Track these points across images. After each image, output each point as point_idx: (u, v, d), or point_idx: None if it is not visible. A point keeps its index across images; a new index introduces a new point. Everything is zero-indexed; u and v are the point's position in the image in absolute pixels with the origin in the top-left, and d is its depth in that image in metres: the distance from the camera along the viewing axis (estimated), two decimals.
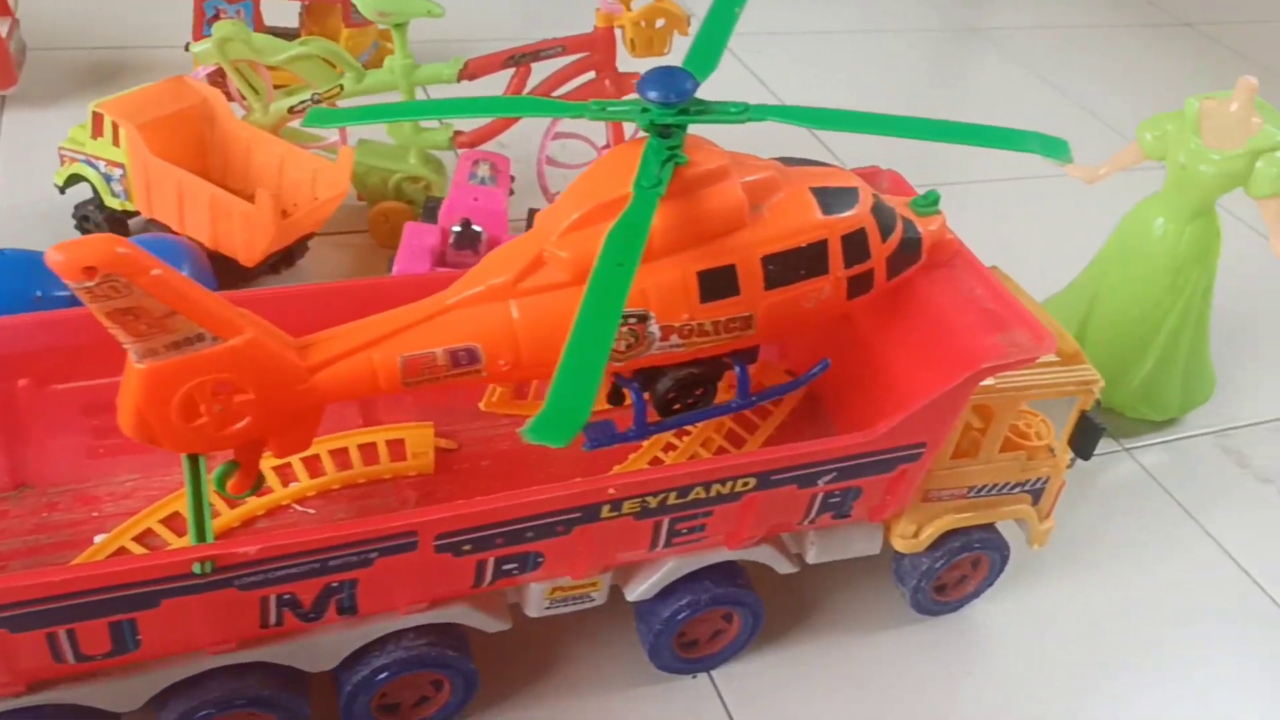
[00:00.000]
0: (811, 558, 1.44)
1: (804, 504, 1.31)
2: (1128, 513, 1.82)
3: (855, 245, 1.24)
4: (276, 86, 2.07)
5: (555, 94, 2.09)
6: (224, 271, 1.83)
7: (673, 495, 1.21)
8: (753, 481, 1.24)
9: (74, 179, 1.96)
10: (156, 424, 1.04)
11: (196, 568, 1.04)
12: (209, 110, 1.94)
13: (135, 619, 1.08)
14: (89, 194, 1.97)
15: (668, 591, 1.37)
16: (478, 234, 1.77)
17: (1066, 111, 3.18)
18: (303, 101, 2.04)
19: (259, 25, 2.44)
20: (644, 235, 1.05)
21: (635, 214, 1.07)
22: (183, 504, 1.29)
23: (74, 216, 2.00)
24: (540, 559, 1.22)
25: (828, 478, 1.28)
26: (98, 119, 1.89)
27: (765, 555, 1.39)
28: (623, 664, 1.44)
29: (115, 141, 1.88)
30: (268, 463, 1.36)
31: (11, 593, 1.01)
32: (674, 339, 1.17)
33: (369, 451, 1.40)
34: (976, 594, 1.57)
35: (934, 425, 1.28)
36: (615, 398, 1.32)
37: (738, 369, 1.28)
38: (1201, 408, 2.03)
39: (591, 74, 2.11)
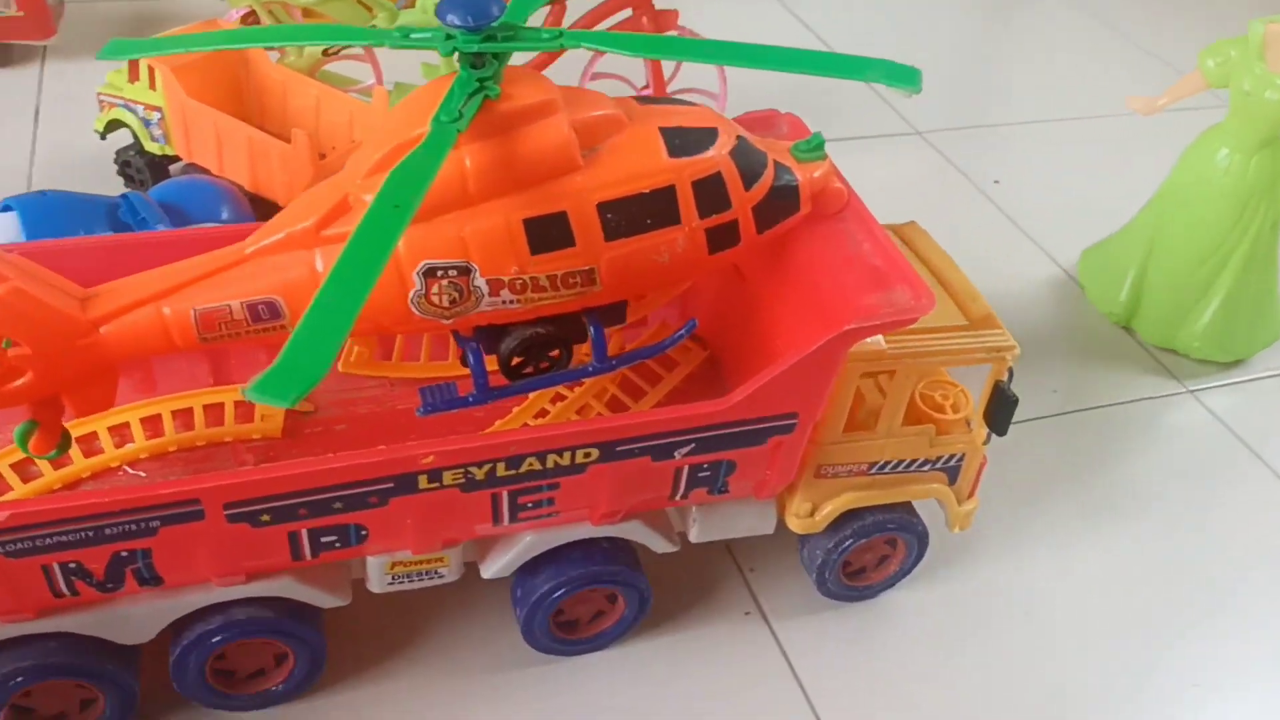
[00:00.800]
0: (694, 536, 1.32)
1: (667, 478, 1.19)
2: (1192, 455, 1.72)
3: (710, 192, 1.10)
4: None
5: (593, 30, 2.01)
6: (265, 214, 1.77)
7: (501, 466, 1.10)
8: (595, 452, 1.12)
9: (114, 124, 1.95)
10: None
11: None
12: (244, 53, 1.89)
13: None
14: (129, 139, 1.95)
15: (531, 569, 1.27)
16: None
17: (1126, 54, 3.00)
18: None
19: None
20: (429, 175, 0.93)
21: (426, 151, 0.95)
22: (6, 463, 1.22)
23: (116, 162, 1.98)
24: (364, 532, 1.12)
25: (685, 449, 1.16)
26: (134, 63, 1.87)
27: (636, 532, 1.27)
28: (495, 644, 1.34)
29: (152, 85, 1.85)
30: (104, 421, 1.27)
31: None
32: (505, 294, 1.05)
33: (215, 412, 1.31)
34: (895, 579, 1.44)
35: (804, 393, 1.15)
36: (463, 359, 1.19)
37: (592, 329, 1.16)
38: (1270, 347, 1.92)
39: (629, 11, 2.03)
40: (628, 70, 2.14)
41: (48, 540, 1.00)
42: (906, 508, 1.38)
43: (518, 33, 1.02)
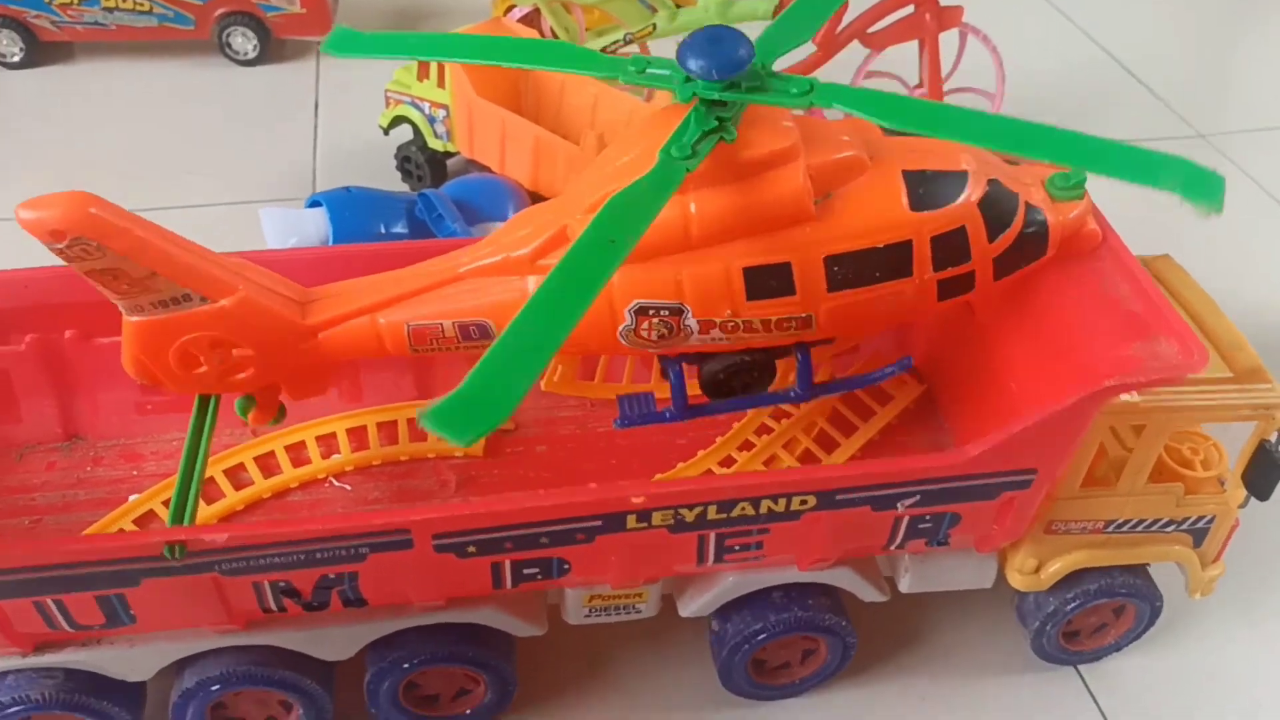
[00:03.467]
0: (905, 586, 1.24)
1: (885, 528, 1.11)
2: None
3: (949, 247, 1.02)
4: (588, 27, 2.05)
5: (870, 30, 1.97)
6: None
7: (713, 509, 1.04)
8: (812, 500, 1.05)
9: (397, 120, 2.01)
10: (157, 370, 1.03)
11: (166, 552, 0.97)
12: None
13: (124, 594, 1.02)
14: (410, 135, 2.00)
15: (731, 610, 1.21)
16: None
17: None
18: (615, 42, 2.00)
19: None
20: (652, 211, 0.88)
21: (650, 187, 0.89)
22: (219, 468, 1.24)
23: (396, 157, 2.04)
24: (566, 565, 1.09)
25: (909, 501, 1.07)
26: (424, 63, 1.91)
27: (845, 579, 1.20)
28: (689, 685, 1.29)
29: (440, 84, 1.90)
30: (312, 431, 1.28)
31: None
32: (715, 334, 1.02)
33: (418, 428, 1.29)
34: (1117, 647, 1.32)
35: (1046, 449, 1.05)
36: (667, 372, 1.13)
37: (799, 354, 1.09)
38: None
39: (910, 8, 1.96)
40: (902, 63, 2.05)
41: (262, 561, 1.00)
42: (1141, 570, 1.26)
43: (764, 82, 0.95)
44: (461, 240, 1.15)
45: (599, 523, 1.03)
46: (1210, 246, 1.25)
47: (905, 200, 1.00)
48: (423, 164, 1.99)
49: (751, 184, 0.97)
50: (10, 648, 1.06)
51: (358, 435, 1.28)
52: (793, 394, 1.13)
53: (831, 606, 1.21)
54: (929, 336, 1.34)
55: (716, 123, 0.93)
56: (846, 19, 1.95)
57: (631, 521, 1.03)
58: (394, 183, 2.01)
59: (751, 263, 0.98)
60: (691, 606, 1.19)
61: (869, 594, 1.21)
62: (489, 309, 1.02)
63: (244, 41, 2.41)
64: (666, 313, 0.99)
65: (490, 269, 1.03)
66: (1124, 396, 1.06)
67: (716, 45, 0.92)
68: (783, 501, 1.04)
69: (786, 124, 0.98)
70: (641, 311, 0.99)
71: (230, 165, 2.11)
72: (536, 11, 2.00)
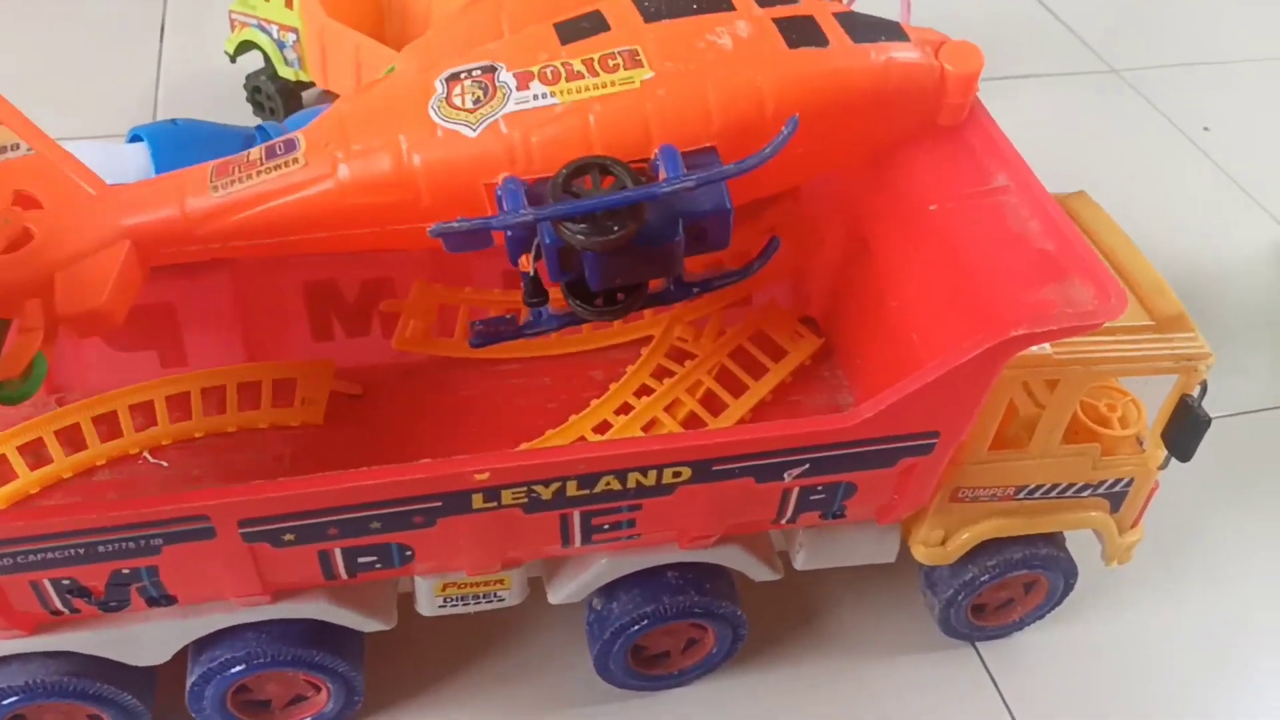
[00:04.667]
0: (800, 563, 1.12)
1: (773, 500, 0.99)
2: None
3: None
4: None
5: None
6: None
7: (573, 485, 0.90)
8: (686, 472, 0.91)
9: (245, 46, 1.80)
10: None
11: None
12: None
13: None
14: (261, 63, 1.80)
15: (608, 594, 1.08)
16: None
17: None
18: None
19: None
20: None
21: None
22: (13, 444, 1.07)
23: (246, 88, 1.84)
24: (409, 552, 0.94)
25: (797, 470, 0.95)
26: None
27: (733, 558, 1.07)
28: (563, 676, 1.16)
29: (289, 4, 1.70)
30: (125, 400, 1.11)
31: None
32: (535, 86, 0.88)
33: (250, 393, 1.13)
34: (1023, 623, 1.22)
35: (950, 409, 0.93)
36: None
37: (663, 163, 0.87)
38: None
39: None
40: None
41: (34, 557, 0.84)
42: (1054, 539, 1.16)
43: None
44: None
45: (439, 503, 0.89)
46: (1126, 183, 1.13)
47: None
48: (274, 95, 1.80)
49: None
50: None
51: (179, 404, 1.12)
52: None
53: (720, 589, 1.09)
54: (824, 283, 1.21)
55: None
56: None
57: (478, 501, 0.89)
58: (245, 116, 1.83)
59: (561, 19, 0.92)
60: (561, 592, 1.06)
61: (760, 573, 1.09)
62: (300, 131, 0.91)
63: None
64: (479, 72, 0.89)
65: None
66: (1034, 348, 0.94)
67: None
68: (652, 474, 0.91)
69: None
70: (453, 78, 0.89)
71: (61, 92, 1.89)
72: None
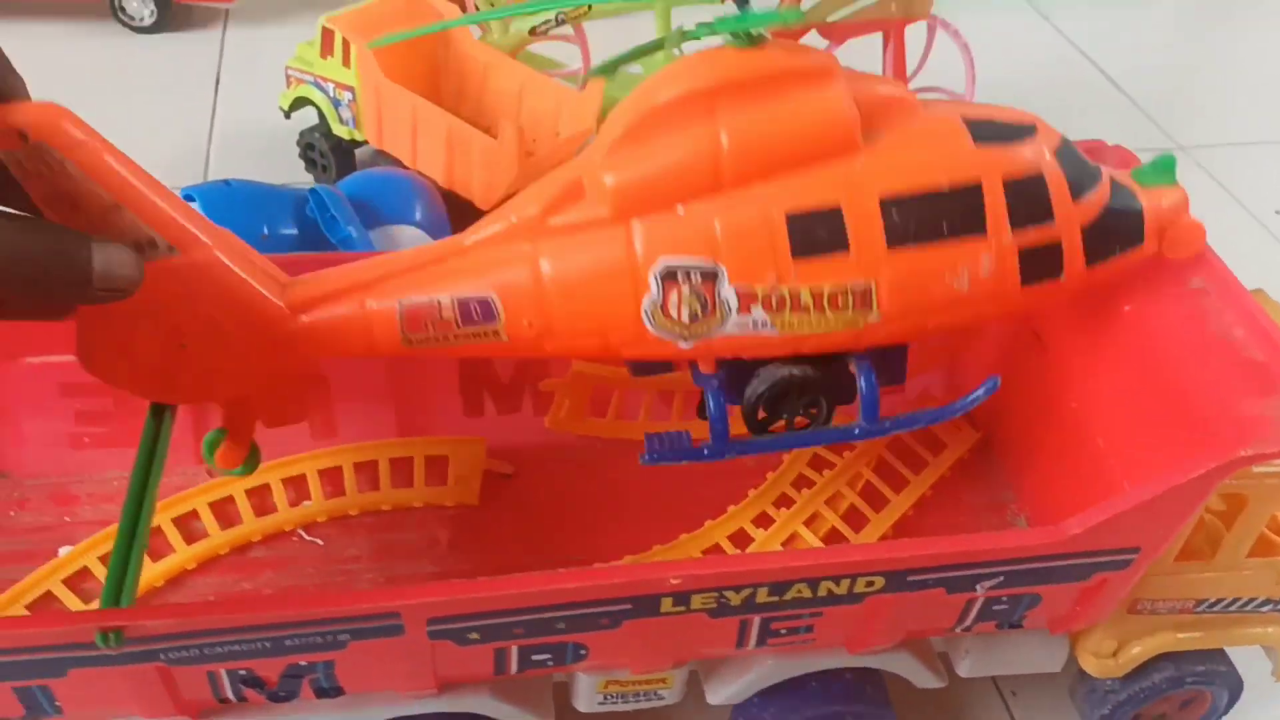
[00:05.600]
0: (964, 670, 1.08)
1: (956, 610, 0.95)
2: None
3: (1027, 197, 0.85)
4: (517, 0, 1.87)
5: (829, 18, 1.80)
6: (460, 215, 1.57)
7: (764, 592, 0.87)
8: (880, 581, 0.88)
9: (300, 102, 1.80)
10: (112, 358, 0.82)
11: (99, 639, 0.78)
12: (445, 31, 1.73)
13: (48, 685, 0.83)
14: (315, 119, 1.80)
15: (764, 697, 1.04)
16: None
17: None
18: (546, 22, 1.81)
19: None
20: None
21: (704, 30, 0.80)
22: (168, 516, 1.05)
23: (299, 144, 1.83)
24: (583, 651, 0.92)
25: (991, 582, 0.91)
26: (328, 35, 1.69)
27: (900, 664, 1.04)
28: None
29: (345, 61, 1.69)
30: (278, 472, 1.10)
31: None
32: (757, 312, 0.84)
33: (402, 468, 1.12)
34: None
35: (1155, 526, 0.89)
36: (705, 409, 0.93)
37: (862, 377, 0.90)
38: None
39: None
40: (862, 56, 1.88)
41: (219, 649, 0.82)
42: (1221, 654, 1.11)
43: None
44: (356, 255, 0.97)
45: (628, 606, 0.86)
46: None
47: (969, 136, 0.85)
48: (327, 153, 1.79)
49: (790, 106, 0.82)
50: None
51: (331, 478, 1.11)
52: (856, 430, 0.92)
53: (877, 695, 1.06)
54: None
55: (742, 25, 0.82)
56: (805, 5, 1.77)
57: (667, 605, 0.86)
58: (297, 173, 1.82)
59: (795, 206, 0.82)
60: (722, 693, 1.03)
61: (925, 680, 1.05)
62: (492, 283, 0.85)
63: (139, 6, 2.21)
64: (698, 277, 0.83)
65: (496, 237, 0.86)
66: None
67: None
68: (845, 583, 0.88)
69: (817, 50, 0.85)
70: (669, 275, 0.83)
71: (115, 143, 1.90)
72: None
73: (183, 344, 0.82)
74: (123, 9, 2.21)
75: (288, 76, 1.80)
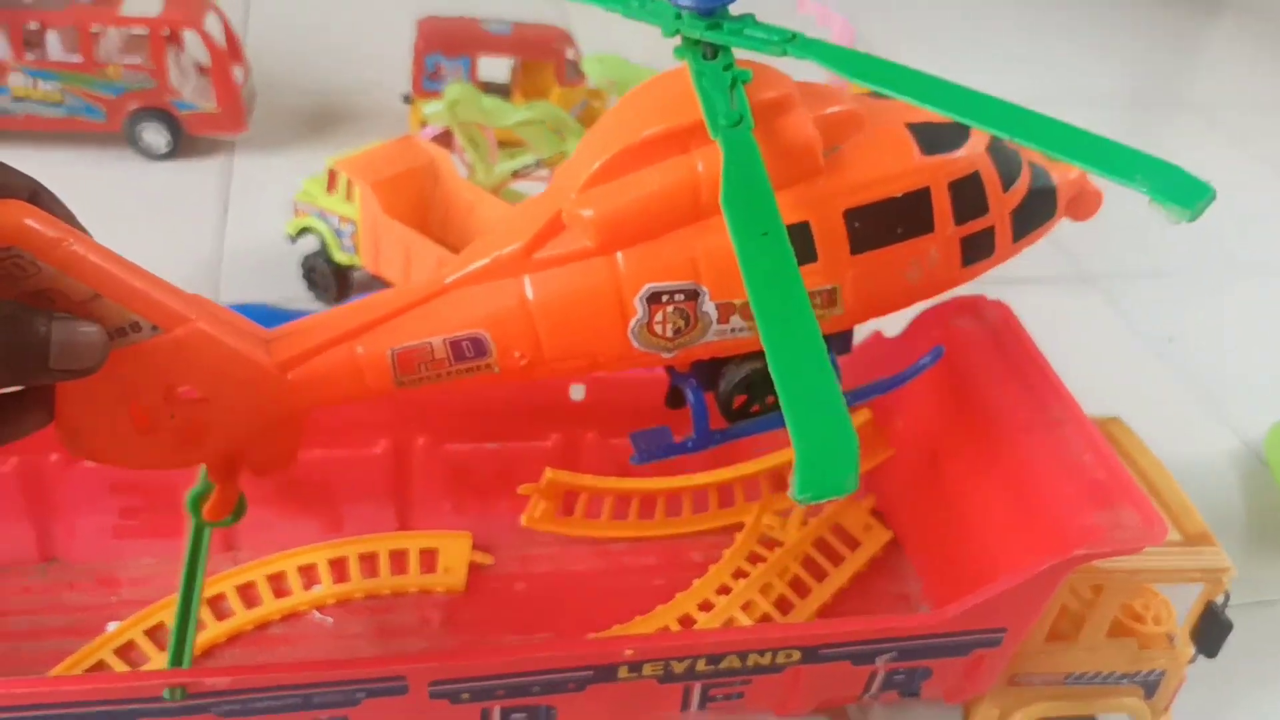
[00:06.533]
0: None
1: (862, 680, 1.15)
2: None
3: (968, 194, 0.97)
4: (501, 146, 2.10)
5: None
6: None
7: (702, 662, 1.07)
8: (797, 654, 1.09)
9: (304, 230, 2.02)
10: (98, 435, 0.83)
11: (166, 694, 0.96)
12: (435, 169, 1.96)
13: None
14: (316, 246, 2.01)
15: None
16: None
17: None
18: (526, 165, 2.05)
19: (474, 81, 2.46)
20: (766, 186, 0.80)
21: (739, 167, 0.81)
22: (230, 584, 1.24)
23: (302, 266, 2.04)
24: (553, 712, 1.10)
25: (887, 656, 1.12)
26: (333, 175, 1.93)
27: None
28: None
29: (349, 197, 1.92)
30: (293, 560, 1.29)
31: None
32: (735, 321, 0.91)
33: (399, 560, 1.31)
34: None
35: (1017, 610, 1.11)
36: (674, 399, 1.06)
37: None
38: None
39: None
40: None
41: (260, 703, 1.00)
42: None
43: (746, 24, 0.87)
44: None
45: (590, 672, 1.06)
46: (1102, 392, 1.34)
47: (916, 148, 0.95)
48: (328, 275, 2.00)
49: (758, 136, 0.86)
50: None
51: (339, 567, 1.30)
52: None
53: None
54: (896, 485, 1.40)
55: (727, 73, 0.87)
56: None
57: (623, 672, 1.06)
58: (298, 290, 2.03)
59: None
60: None
61: None
62: (482, 319, 0.90)
63: (155, 137, 2.42)
64: (681, 297, 0.89)
65: (479, 274, 0.91)
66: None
67: None
68: (769, 655, 1.08)
69: (776, 73, 0.91)
70: (654, 299, 0.89)
71: (135, 260, 2.11)
72: (448, 132, 2.07)
73: (171, 415, 0.83)
74: (140, 139, 2.43)
75: (295, 208, 2.02)
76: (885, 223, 0.93)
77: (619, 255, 0.87)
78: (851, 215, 0.92)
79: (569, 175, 0.92)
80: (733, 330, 0.91)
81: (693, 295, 0.89)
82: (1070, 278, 2.44)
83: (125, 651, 1.18)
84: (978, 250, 0.99)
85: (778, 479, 1.40)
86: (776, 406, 0.94)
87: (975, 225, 0.98)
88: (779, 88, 0.90)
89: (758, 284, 0.75)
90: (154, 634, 1.20)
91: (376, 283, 1.96)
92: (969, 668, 1.16)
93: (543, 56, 2.49)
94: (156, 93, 2.37)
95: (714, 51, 0.88)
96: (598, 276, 0.87)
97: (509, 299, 0.90)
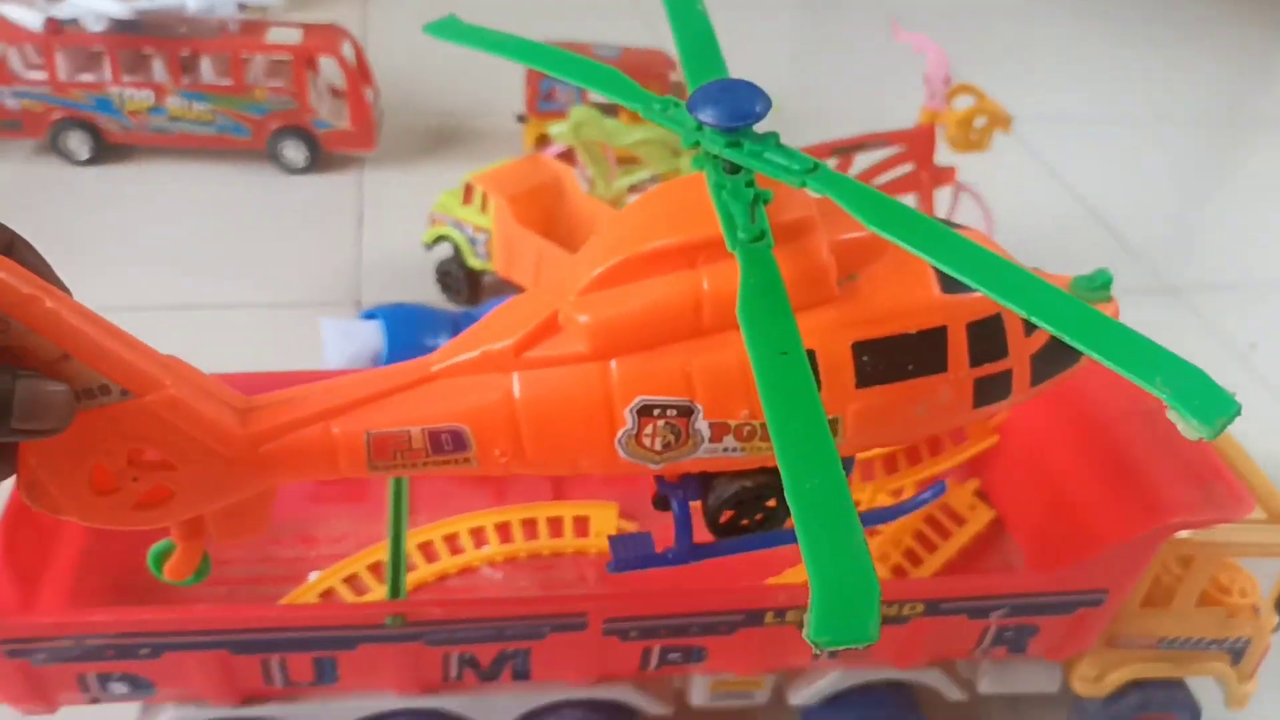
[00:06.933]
0: (983, 687, 1.41)
1: (975, 635, 1.30)
2: None
3: (987, 336, 0.91)
4: (619, 164, 2.31)
5: (874, 182, 2.21)
6: None
7: None
8: (921, 607, 1.24)
9: (439, 239, 2.23)
10: (57, 490, 0.79)
11: (388, 620, 1.14)
12: (560, 184, 2.16)
13: (337, 657, 1.19)
14: (449, 253, 2.22)
15: (834, 702, 1.38)
16: None
17: None
18: (641, 180, 2.26)
19: (585, 102, 2.65)
20: (785, 304, 0.78)
21: (759, 282, 0.79)
22: (385, 554, 1.42)
23: (436, 272, 2.26)
24: (704, 653, 1.26)
25: (1000, 612, 1.26)
26: (469, 189, 2.14)
27: (935, 679, 1.38)
28: None
29: (483, 209, 2.13)
30: (465, 524, 1.47)
31: (239, 621, 1.15)
32: (729, 441, 0.87)
33: (556, 525, 1.48)
34: None
35: (1118, 572, 1.24)
36: (661, 503, 0.99)
37: None
38: None
39: (910, 166, 2.24)
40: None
41: (462, 634, 1.18)
42: (1184, 684, 1.45)
43: (768, 147, 0.82)
44: None
45: (742, 617, 1.22)
46: None
47: (936, 283, 0.90)
48: (461, 280, 2.20)
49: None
50: (225, 699, 1.22)
51: (503, 530, 1.47)
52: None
53: (913, 705, 1.40)
54: (999, 469, 1.55)
55: (749, 189, 0.84)
56: (852, 170, 2.20)
57: (769, 618, 1.22)
58: (433, 294, 2.24)
59: None
60: (801, 695, 1.37)
61: (953, 693, 1.39)
62: (465, 413, 0.86)
63: (295, 153, 2.65)
64: (674, 413, 0.85)
65: (466, 366, 0.88)
66: (1182, 533, 1.26)
67: (729, 94, 0.82)
68: (895, 607, 1.23)
69: (799, 193, 0.84)
70: (645, 412, 0.85)
71: (277, 268, 2.32)
72: (570, 150, 2.27)
73: (134, 478, 0.80)
74: (282, 155, 2.66)
75: (431, 218, 2.23)
76: (895, 359, 0.88)
77: (613, 363, 0.84)
78: (860, 348, 0.87)
79: (572, 273, 0.89)
80: (725, 450, 0.87)
81: (686, 412, 0.85)
82: (1154, 289, 2.56)
83: (327, 596, 1.37)
84: (992, 392, 0.93)
85: (889, 462, 1.55)
86: (764, 525, 0.95)
87: (992, 368, 0.92)
88: (800, 209, 0.87)
89: (776, 405, 0.70)
90: (350, 582, 1.39)
91: (507, 286, 2.15)
92: (1072, 626, 1.30)
93: (649, 78, 2.68)
94: (297, 113, 2.60)
95: (735, 168, 0.85)
96: (589, 383, 0.84)
97: (494, 395, 0.87)
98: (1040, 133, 3.06)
